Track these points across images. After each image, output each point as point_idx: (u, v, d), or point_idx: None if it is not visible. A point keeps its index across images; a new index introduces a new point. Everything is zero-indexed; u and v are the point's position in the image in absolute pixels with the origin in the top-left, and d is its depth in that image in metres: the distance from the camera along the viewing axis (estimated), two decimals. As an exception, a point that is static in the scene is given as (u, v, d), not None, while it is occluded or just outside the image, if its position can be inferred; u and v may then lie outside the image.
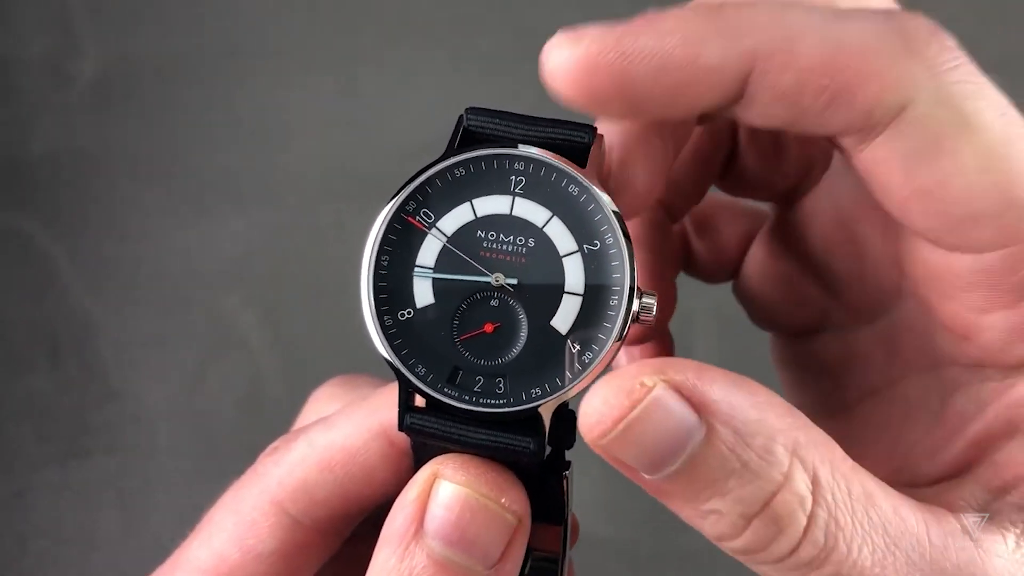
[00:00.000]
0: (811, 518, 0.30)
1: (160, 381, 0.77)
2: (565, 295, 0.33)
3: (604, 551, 0.73)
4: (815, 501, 0.30)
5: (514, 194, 0.34)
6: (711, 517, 0.30)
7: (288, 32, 0.82)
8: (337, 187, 0.79)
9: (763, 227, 0.45)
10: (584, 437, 0.31)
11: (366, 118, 0.81)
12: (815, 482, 0.30)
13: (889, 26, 0.32)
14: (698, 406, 0.29)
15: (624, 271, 0.33)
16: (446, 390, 0.33)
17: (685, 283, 0.45)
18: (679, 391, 0.29)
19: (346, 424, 0.37)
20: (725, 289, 0.47)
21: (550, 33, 0.32)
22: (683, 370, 0.30)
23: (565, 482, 0.36)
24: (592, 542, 0.73)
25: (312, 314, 0.78)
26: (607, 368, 0.32)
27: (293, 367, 0.77)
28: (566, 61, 0.32)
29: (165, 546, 0.39)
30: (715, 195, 0.45)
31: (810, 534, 0.30)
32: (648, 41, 0.31)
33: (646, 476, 0.30)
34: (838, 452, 0.31)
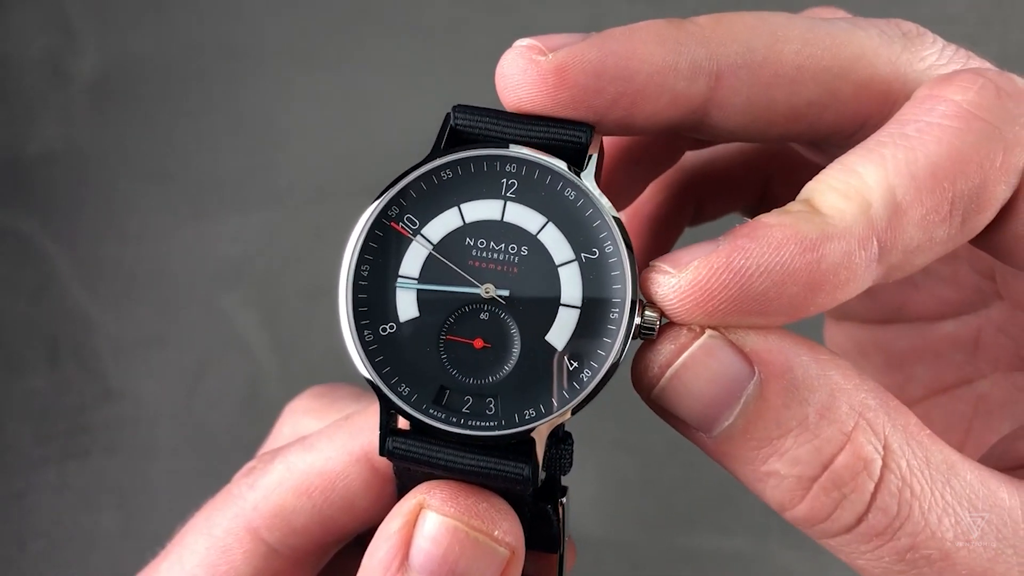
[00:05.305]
0: (880, 483, 0.27)
1: (160, 381, 0.77)
2: (561, 308, 0.30)
3: (603, 552, 0.73)
4: (885, 465, 0.27)
5: (505, 198, 0.31)
6: (771, 481, 0.28)
7: (288, 32, 0.81)
8: (336, 187, 0.79)
9: None
10: (635, 389, 0.29)
11: (366, 118, 0.80)
12: (886, 447, 0.27)
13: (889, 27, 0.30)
14: (750, 355, 0.27)
15: (625, 282, 0.30)
16: (432, 411, 0.30)
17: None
18: (730, 339, 0.28)
19: (326, 447, 0.35)
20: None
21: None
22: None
23: (561, 509, 0.34)
24: (590, 543, 0.72)
25: (311, 314, 0.78)
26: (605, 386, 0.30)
27: (292, 367, 0.77)
28: (534, 66, 0.30)
29: (164, 546, 0.38)
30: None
31: (879, 501, 0.27)
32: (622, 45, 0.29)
33: (703, 436, 0.29)
34: (913, 419, 0.28)
